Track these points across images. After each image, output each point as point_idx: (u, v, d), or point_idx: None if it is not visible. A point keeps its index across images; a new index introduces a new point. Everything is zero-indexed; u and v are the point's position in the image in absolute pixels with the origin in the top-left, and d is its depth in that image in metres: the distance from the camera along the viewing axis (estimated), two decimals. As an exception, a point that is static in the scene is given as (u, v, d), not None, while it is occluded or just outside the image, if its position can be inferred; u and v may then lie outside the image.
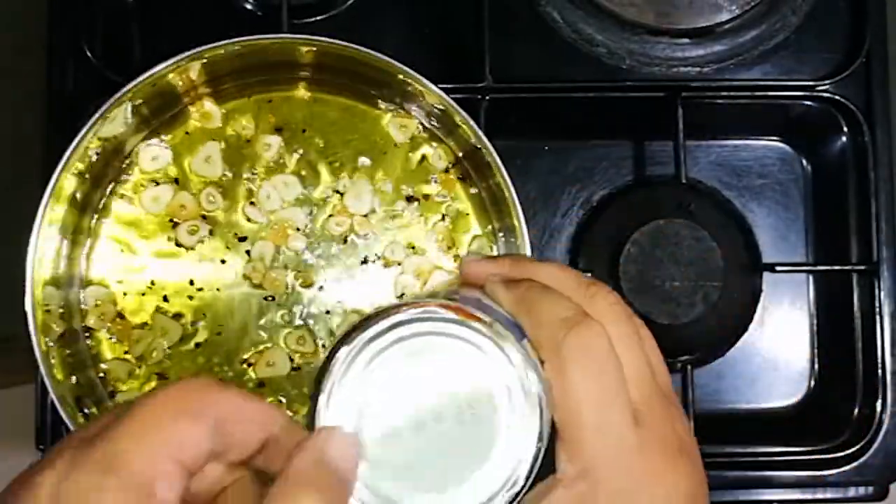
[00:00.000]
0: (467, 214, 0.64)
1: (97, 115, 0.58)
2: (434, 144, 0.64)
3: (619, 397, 0.40)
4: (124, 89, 0.58)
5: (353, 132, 0.64)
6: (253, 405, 0.38)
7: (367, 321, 0.36)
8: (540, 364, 0.38)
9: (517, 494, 0.35)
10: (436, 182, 0.64)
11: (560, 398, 0.39)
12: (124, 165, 0.63)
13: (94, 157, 0.59)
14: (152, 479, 0.36)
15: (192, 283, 0.62)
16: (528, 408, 0.36)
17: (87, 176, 0.60)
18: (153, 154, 0.63)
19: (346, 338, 0.37)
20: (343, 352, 0.36)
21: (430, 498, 0.36)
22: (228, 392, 0.38)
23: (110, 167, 0.62)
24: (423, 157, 0.64)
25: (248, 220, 0.63)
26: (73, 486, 0.36)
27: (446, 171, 0.64)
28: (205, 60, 0.59)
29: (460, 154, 0.64)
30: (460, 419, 0.36)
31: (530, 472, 0.35)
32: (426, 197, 0.64)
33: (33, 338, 0.56)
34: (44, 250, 0.58)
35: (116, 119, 0.59)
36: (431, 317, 0.36)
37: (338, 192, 0.64)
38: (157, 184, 0.63)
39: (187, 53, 0.58)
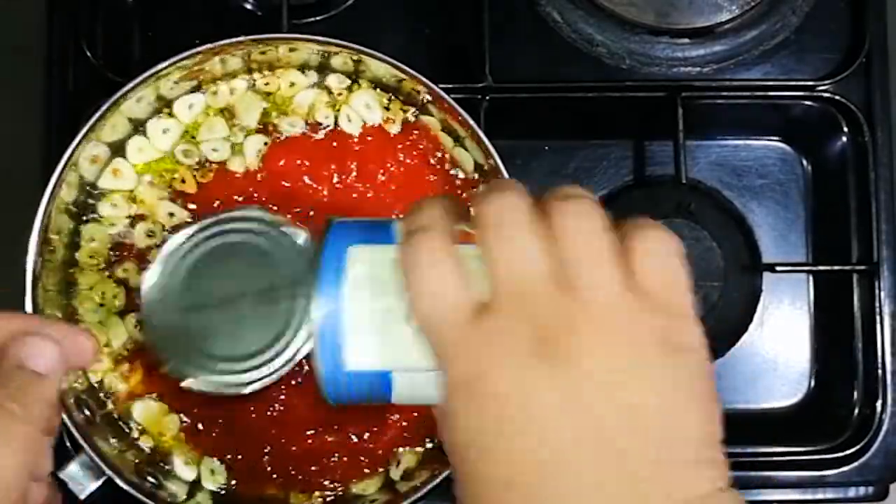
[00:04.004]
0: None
1: (97, 115, 0.58)
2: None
3: (446, 294, 0.36)
4: (124, 89, 0.58)
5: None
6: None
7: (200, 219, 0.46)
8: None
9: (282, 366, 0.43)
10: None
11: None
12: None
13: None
14: None
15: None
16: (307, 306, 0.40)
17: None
18: (189, 102, 0.62)
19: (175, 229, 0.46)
20: (171, 238, 0.45)
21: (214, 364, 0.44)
22: None
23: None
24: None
25: None
26: None
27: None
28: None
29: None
30: (259, 300, 0.42)
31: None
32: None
33: (33, 338, 0.56)
34: (43, 250, 0.58)
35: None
36: (259, 218, 0.45)
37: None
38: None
39: (187, 53, 0.58)
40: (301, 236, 0.44)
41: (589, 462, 0.35)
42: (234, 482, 0.60)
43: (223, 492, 0.60)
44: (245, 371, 0.43)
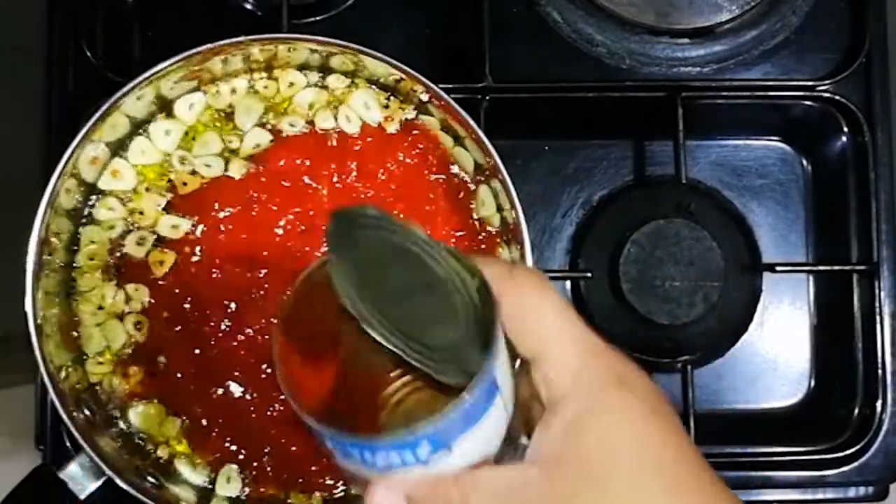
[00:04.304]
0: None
1: (97, 115, 0.58)
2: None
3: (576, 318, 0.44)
4: (124, 89, 0.58)
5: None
6: None
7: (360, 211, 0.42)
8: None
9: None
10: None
11: (521, 325, 0.42)
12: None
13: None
14: None
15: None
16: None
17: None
18: (190, 102, 0.62)
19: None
20: (333, 227, 0.41)
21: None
22: None
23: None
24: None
25: None
26: None
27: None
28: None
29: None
30: (432, 292, 0.41)
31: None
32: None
33: (33, 338, 0.56)
34: (43, 251, 0.58)
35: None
36: (377, 215, 0.42)
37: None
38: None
39: (187, 53, 0.58)
40: (419, 231, 0.43)
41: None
42: (247, 489, 0.60)
43: (239, 497, 0.60)
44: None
